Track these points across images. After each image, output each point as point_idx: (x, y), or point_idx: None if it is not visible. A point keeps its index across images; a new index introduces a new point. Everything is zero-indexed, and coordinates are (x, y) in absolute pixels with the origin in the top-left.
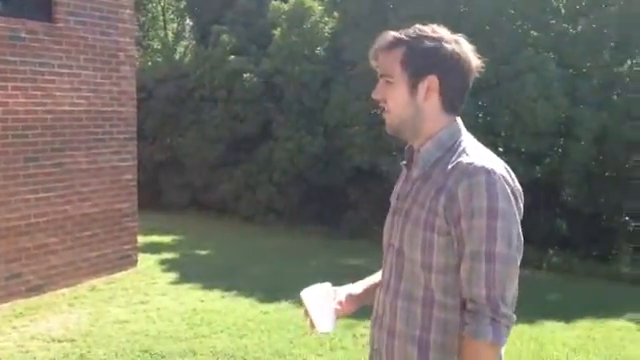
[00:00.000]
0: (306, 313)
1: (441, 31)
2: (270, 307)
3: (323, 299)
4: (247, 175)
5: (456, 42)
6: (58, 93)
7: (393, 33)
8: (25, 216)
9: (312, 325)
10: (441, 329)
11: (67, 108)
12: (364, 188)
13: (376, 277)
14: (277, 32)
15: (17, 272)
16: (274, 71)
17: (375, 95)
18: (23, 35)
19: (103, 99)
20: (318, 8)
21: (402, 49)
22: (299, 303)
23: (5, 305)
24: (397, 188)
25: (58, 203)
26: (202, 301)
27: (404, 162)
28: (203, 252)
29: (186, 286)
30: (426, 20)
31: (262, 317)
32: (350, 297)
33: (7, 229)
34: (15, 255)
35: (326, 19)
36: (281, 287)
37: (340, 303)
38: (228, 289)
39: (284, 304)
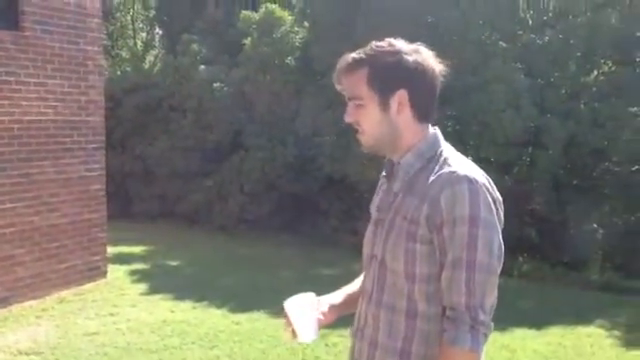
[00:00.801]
0: (288, 323)
1: (398, 44)
2: (242, 317)
3: (306, 309)
4: (218, 185)
5: (416, 52)
6: (25, 102)
7: (352, 55)
8: None
9: (294, 335)
10: (424, 340)
11: (34, 117)
12: (335, 197)
13: (353, 287)
14: (247, 41)
15: None
16: (244, 80)
17: (348, 119)
18: None
19: (71, 108)
20: (288, 18)
21: (365, 69)
22: (272, 313)
23: None
24: (377, 199)
25: (25, 214)
26: (173, 312)
27: (384, 174)
28: (174, 263)
29: (157, 297)
30: (394, 29)
31: (234, 327)
32: (332, 307)
33: None
34: None
35: (296, 29)
36: (253, 297)
37: (323, 313)
38: (199, 300)
39: (256, 314)
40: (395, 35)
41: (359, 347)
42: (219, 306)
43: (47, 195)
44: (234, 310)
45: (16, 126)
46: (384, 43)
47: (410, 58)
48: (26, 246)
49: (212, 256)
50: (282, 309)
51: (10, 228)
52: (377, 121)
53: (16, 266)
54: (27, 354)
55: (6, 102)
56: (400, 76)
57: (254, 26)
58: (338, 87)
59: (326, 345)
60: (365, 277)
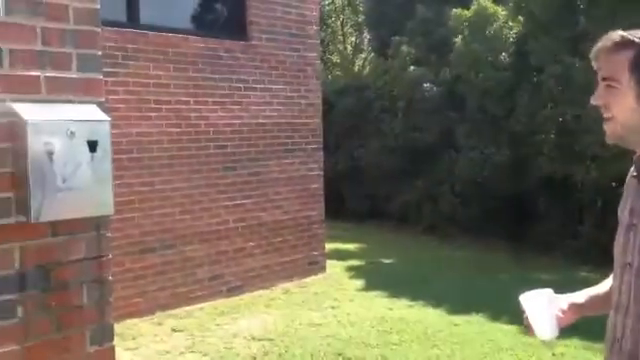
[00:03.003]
0: (527, 317)
1: None
2: (460, 319)
3: (544, 304)
4: (428, 185)
5: None
6: (253, 107)
7: (621, 33)
8: (225, 221)
9: (530, 330)
10: None
11: (261, 121)
12: (554, 199)
13: (599, 289)
14: (458, 40)
15: (219, 273)
16: (455, 79)
17: (596, 100)
18: (222, 54)
19: (292, 111)
20: (502, 13)
21: (630, 52)
22: (490, 317)
23: (209, 304)
24: (629, 202)
25: (254, 210)
26: (390, 309)
27: (634, 174)
28: (387, 260)
29: (373, 293)
30: (621, 21)
31: (452, 329)
32: (573, 306)
33: (209, 233)
34: (216, 257)
35: (510, 24)
36: (470, 300)
37: (562, 311)
38: (415, 298)
39: (475, 317)
40: (623, 27)
41: None
42: (435, 306)
43: (272, 193)
44: (451, 311)
45: (245, 129)
46: None
47: None
48: (255, 240)
49: (423, 256)
50: (502, 313)
51: (241, 223)
52: (630, 109)
53: (247, 258)
54: (259, 340)
55: (236, 107)
56: None
57: (465, 24)
58: (594, 64)
59: (553, 355)
60: (617, 287)
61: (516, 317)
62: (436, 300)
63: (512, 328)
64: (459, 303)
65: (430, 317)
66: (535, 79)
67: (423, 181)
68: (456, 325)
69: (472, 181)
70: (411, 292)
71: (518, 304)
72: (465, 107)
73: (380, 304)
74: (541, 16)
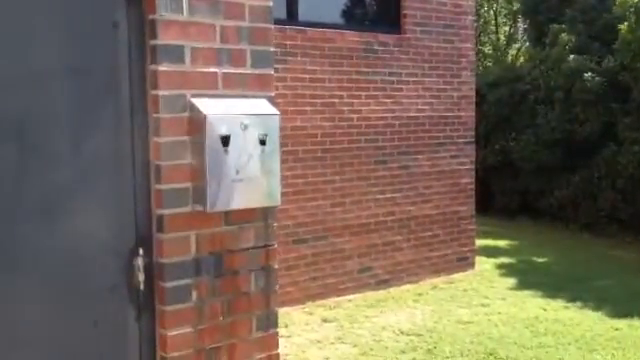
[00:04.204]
0: None
1: None
2: (622, 323)
3: None
4: (586, 181)
5: None
6: (405, 100)
7: None
8: (374, 214)
9: None
10: None
11: (412, 114)
12: None
13: None
14: (623, 27)
15: (368, 266)
16: (619, 69)
17: None
18: (375, 47)
19: (445, 104)
20: None
21: None
22: None
23: (357, 296)
24: None
25: (403, 204)
26: (544, 310)
27: None
28: (540, 259)
29: (525, 292)
30: None
31: (613, 333)
32: None
33: (359, 226)
34: (366, 250)
35: None
36: (633, 302)
37: None
38: (572, 299)
39: (638, 322)
40: None
41: None
42: (594, 308)
43: (422, 187)
44: (612, 314)
45: (397, 122)
46: None
47: None
48: (403, 234)
49: (580, 255)
50: None
51: (390, 216)
52: None
53: (395, 251)
54: (407, 334)
55: (389, 100)
56: None
57: (632, 9)
58: None
59: None
60: None
61: None
62: (595, 302)
63: None
64: (621, 305)
65: (588, 319)
66: None
67: (580, 176)
68: (617, 329)
69: (635, 176)
70: (567, 292)
71: None
72: (629, 98)
73: (534, 304)
74: None
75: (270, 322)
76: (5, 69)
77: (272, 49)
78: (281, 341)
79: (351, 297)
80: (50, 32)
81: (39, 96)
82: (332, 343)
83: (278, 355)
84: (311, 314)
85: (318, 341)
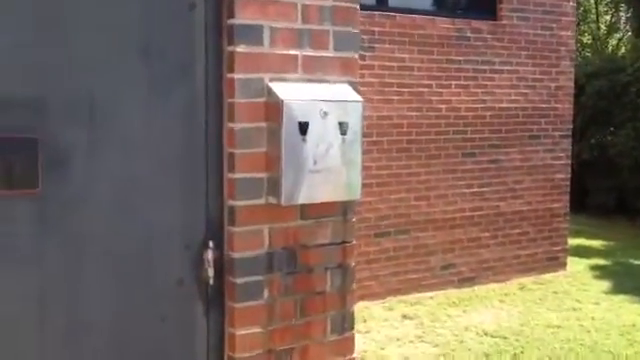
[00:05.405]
0: None
1: None
2: None
3: None
4: None
5: None
6: (497, 90)
7: None
8: (460, 209)
9: None
10: None
11: (505, 105)
12: None
13: None
14: None
15: (451, 263)
16: None
17: None
18: (468, 34)
19: (540, 95)
20: None
21: None
22: None
23: (439, 293)
24: None
25: (491, 199)
26: None
27: None
28: (638, 262)
29: (621, 297)
30: None
31: None
32: None
33: (444, 221)
34: (450, 246)
35: None
36: None
37: None
38: None
39: None
40: None
41: None
42: None
43: (512, 182)
44: None
45: (488, 113)
46: None
47: None
48: (490, 230)
49: None
50: None
51: (477, 212)
52: None
53: (481, 248)
54: (492, 336)
55: (480, 90)
56: None
57: None
58: None
59: None
60: None
61: None
62: None
63: None
64: None
65: None
66: None
67: None
68: None
69: None
70: None
71: None
72: None
73: (631, 310)
74: None
75: (346, 324)
76: (79, 50)
77: (357, 30)
78: (359, 337)
79: (432, 294)
80: (125, 13)
81: (112, 78)
82: (412, 341)
83: None
84: (391, 310)
85: (397, 338)
